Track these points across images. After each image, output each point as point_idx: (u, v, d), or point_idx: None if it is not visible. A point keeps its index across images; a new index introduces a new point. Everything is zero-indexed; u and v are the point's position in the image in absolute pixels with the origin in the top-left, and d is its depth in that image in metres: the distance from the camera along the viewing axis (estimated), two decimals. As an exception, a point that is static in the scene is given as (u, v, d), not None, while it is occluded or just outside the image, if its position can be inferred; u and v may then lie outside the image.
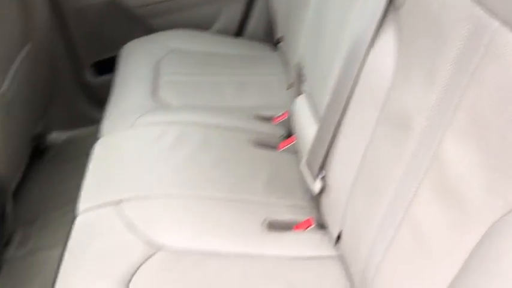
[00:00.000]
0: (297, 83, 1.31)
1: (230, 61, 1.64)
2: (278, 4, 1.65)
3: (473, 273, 0.57)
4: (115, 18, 1.81)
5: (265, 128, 1.32)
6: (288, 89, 1.45)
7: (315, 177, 0.98)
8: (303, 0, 1.32)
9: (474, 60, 0.62)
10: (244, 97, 1.46)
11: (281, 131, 1.31)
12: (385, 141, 0.78)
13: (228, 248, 0.95)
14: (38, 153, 1.72)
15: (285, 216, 1.03)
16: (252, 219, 1.01)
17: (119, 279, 0.86)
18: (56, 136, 1.86)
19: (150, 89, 1.44)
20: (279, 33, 1.65)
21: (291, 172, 1.15)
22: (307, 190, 1.05)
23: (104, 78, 1.84)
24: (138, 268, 0.88)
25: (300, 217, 1.03)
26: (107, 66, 1.79)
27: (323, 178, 0.97)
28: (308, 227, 1.01)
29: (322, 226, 1.01)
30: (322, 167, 0.96)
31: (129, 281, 0.86)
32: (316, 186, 0.97)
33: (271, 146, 1.26)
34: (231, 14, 1.86)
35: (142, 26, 1.83)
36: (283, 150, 1.25)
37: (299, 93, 1.27)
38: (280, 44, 1.63)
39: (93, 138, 1.26)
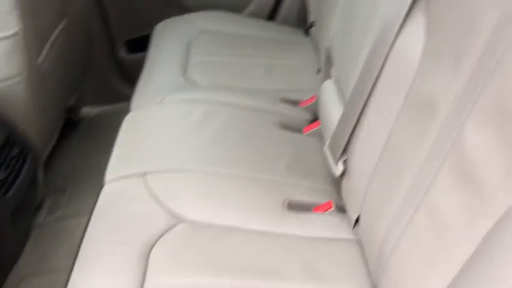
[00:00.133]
0: (325, 67, 1.31)
1: (261, 44, 1.65)
2: (311, -12, 1.65)
3: (486, 257, 0.57)
4: (150, -3, 1.85)
5: (291, 111, 1.33)
6: (317, 73, 1.45)
7: (337, 160, 0.98)
8: (336, -15, 1.32)
9: (501, 46, 0.61)
10: (272, 80, 1.47)
11: (307, 115, 1.32)
12: (408, 126, 0.79)
13: (248, 224, 0.96)
14: (70, 125, 1.77)
15: (305, 197, 1.04)
16: (273, 199, 1.02)
17: (141, 247, 0.88)
18: (88, 110, 1.91)
19: (180, 68, 1.46)
20: (311, 18, 1.64)
21: (314, 155, 1.15)
22: (328, 173, 1.06)
23: (136, 56, 1.87)
24: (159, 237, 0.90)
25: (320, 199, 1.04)
26: (140, 44, 1.83)
27: (345, 162, 0.97)
28: (327, 209, 1.02)
29: (341, 209, 1.01)
30: (345, 150, 0.97)
31: (151, 248, 0.88)
32: (338, 169, 0.98)
33: (296, 129, 1.26)
34: (265, -3, 1.86)
35: (176, 6, 1.85)
36: (307, 133, 1.25)
37: (327, 77, 1.27)
38: (312, 29, 1.63)
39: (124, 114, 1.29)
